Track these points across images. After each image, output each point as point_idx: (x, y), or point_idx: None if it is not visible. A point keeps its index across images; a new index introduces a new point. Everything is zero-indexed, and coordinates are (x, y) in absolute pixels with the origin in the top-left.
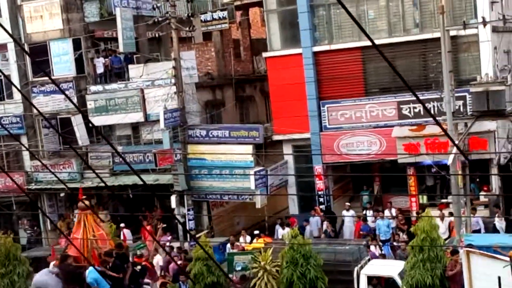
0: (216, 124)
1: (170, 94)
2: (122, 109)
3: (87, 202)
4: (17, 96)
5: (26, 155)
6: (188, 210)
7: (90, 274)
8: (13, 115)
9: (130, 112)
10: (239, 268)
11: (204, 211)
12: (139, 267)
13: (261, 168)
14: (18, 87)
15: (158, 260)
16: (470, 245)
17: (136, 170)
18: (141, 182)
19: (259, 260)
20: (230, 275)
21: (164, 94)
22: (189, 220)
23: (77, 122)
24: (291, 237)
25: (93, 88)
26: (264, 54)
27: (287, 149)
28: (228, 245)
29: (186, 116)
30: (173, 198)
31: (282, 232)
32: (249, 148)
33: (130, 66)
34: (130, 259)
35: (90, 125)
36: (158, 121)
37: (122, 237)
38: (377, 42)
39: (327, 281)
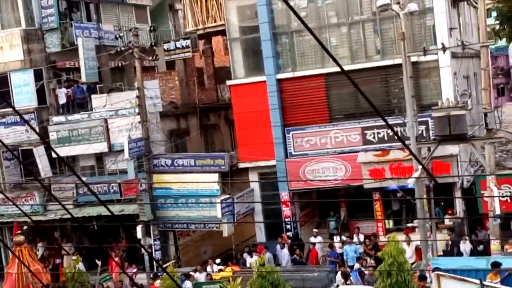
0: (181, 153)
1: (134, 123)
2: (86, 140)
3: (22, 237)
4: None
5: None
6: (155, 240)
7: None
8: None
9: (93, 142)
10: None
11: (170, 241)
12: None
13: (227, 196)
14: None
15: None
16: (437, 269)
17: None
18: (105, 213)
19: None
20: None
21: (128, 123)
22: (156, 250)
23: (39, 153)
24: (259, 265)
25: (55, 119)
26: (228, 82)
27: (253, 177)
28: (197, 274)
29: (151, 146)
30: (139, 229)
31: (250, 260)
32: (215, 177)
33: (93, 96)
34: None
35: (54, 156)
36: (122, 151)
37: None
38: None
39: None
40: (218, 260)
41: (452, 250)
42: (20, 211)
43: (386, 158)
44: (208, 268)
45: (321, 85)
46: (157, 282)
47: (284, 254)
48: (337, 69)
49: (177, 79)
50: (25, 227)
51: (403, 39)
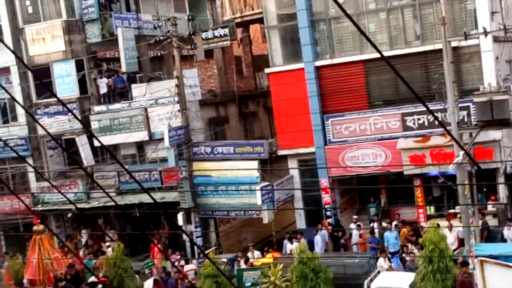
0: (221, 140)
1: (174, 112)
2: (126, 128)
3: (42, 227)
4: (21, 118)
5: (32, 176)
6: (196, 227)
7: None
8: (18, 137)
9: (134, 131)
10: (249, 284)
11: (211, 228)
12: (100, 286)
13: (267, 183)
14: (23, 109)
15: (149, 284)
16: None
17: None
18: (147, 201)
19: (268, 276)
20: None
21: (168, 112)
22: (197, 237)
23: (82, 142)
24: (300, 252)
25: (96, 108)
26: (266, 70)
27: (292, 164)
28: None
29: (190, 134)
30: (180, 216)
31: (290, 246)
32: (254, 164)
33: (133, 86)
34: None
35: (96, 144)
36: (162, 139)
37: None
38: (378, 55)
39: None
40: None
41: (493, 236)
42: (64, 199)
43: (427, 144)
44: (249, 255)
45: (360, 72)
46: (187, 267)
47: (317, 240)
48: (377, 55)
49: (215, 67)
50: (69, 215)
51: (443, 23)
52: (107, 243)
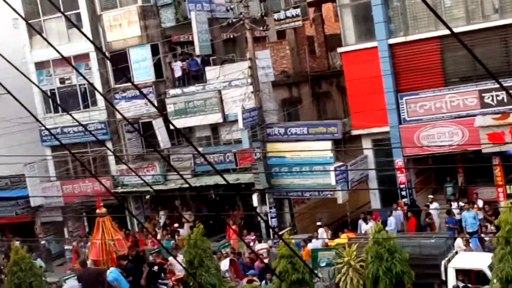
0: (294, 121)
1: (247, 93)
2: (201, 111)
3: (104, 210)
4: (100, 103)
5: (111, 159)
6: (270, 208)
7: (112, 273)
8: (98, 121)
9: (208, 113)
10: (324, 264)
11: (286, 208)
12: (156, 267)
13: (341, 163)
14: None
15: (225, 264)
16: None
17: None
18: (222, 182)
19: (343, 256)
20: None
21: (241, 94)
22: (272, 218)
23: (158, 125)
24: (375, 232)
25: (172, 91)
26: (339, 49)
27: (366, 144)
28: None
29: (264, 115)
30: (254, 197)
31: (365, 227)
32: (328, 144)
33: (207, 68)
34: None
35: (172, 127)
36: (236, 121)
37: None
38: (455, 30)
39: (414, 275)
40: (319, 223)
41: None
42: (142, 181)
43: (506, 121)
44: (324, 235)
45: (436, 49)
46: (260, 245)
47: (391, 221)
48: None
49: (288, 48)
50: (147, 197)
51: None
52: (175, 224)
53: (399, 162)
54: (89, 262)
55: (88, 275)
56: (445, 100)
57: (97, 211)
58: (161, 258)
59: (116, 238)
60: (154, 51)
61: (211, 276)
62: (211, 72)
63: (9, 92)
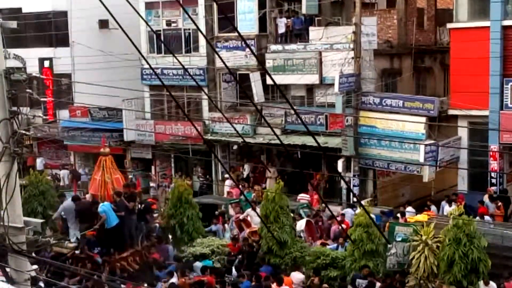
0: (391, 93)
1: (347, 59)
2: (299, 70)
3: (107, 149)
4: (202, 49)
5: (205, 106)
6: (354, 176)
7: (102, 206)
8: (197, 67)
9: (306, 73)
10: (399, 239)
11: (370, 179)
12: (143, 205)
13: (432, 141)
14: (204, 41)
15: (301, 224)
16: None
17: (307, 131)
18: (310, 144)
19: (420, 234)
20: (389, 246)
21: (342, 58)
22: (354, 186)
23: (255, 78)
24: (457, 215)
25: (273, 47)
26: (449, 25)
27: (462, 125)
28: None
29: (361, 82)
30: (340, 162)
31: (448, 209)
32: (421, 120)
33: (310, 28)
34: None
35: (267, 82)
36: (332, 84)
37: None
38: None
39: (490, 264)
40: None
41: None
42: (231, 131)
43: None
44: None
45: None
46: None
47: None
48: None
49: (395, 17)
50: (235, 147)
51: None
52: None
53: (493, 148)
54: (88, 196)
55: (84, 204)
56: None
57: (101, 150)
58: (151, 197)
59: (115, 177)
60: (261, 4)
61: (284, 233)
62: (314, 32)
63: (121, 28)
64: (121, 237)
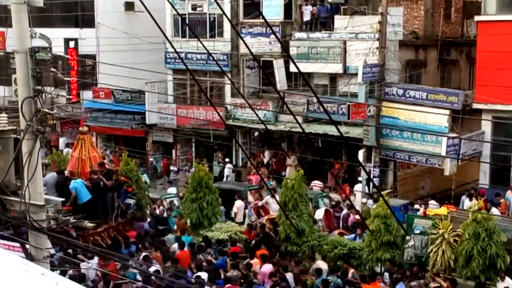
0: (415, 84)
1: (372, 49)
2: (323, 59)
3: (86, 128)
4: (226, 35)
5: (228, 91)
6: (375, 166)
7: (74, 183)
8: (221, 52)
9: (330, 62)
10: (418, 232)
11: (390, 170)
12: (115, 182)
13: (455, 135)
14: (229, 27)
15: (320, 213)
16: None
17: (329, 120)
18: (331, 132)
19: (439, 227)
20: (407, 238)
21: (366, 48)
22: (374, 176)
23: (278, 65)
24: (477, 210)
25: (297, 34)
26: (476, 18)
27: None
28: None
29: (385, 73)
30: (361, 153)
31: (468, 203)
32: (445, 113)
33: (336, 17)
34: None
35: (291, 70)
36: (356, 74)
37: None
38: None
39: (508, 260)
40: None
41: None
42: (253, 118)
43: None
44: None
45: None
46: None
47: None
48: None
49: (422, 8)
50: (256, 133)
51: None
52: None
53: None
54: (66, 172)
55: (59, 179)
56: None
57: (80, 128)
58: (124, 177)
59: (92, 155)
60: None
61: (302, 221)
62: (339, 21)
63: (147, 10)
64: (94, 212)
